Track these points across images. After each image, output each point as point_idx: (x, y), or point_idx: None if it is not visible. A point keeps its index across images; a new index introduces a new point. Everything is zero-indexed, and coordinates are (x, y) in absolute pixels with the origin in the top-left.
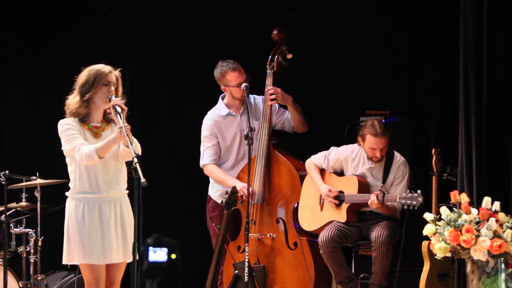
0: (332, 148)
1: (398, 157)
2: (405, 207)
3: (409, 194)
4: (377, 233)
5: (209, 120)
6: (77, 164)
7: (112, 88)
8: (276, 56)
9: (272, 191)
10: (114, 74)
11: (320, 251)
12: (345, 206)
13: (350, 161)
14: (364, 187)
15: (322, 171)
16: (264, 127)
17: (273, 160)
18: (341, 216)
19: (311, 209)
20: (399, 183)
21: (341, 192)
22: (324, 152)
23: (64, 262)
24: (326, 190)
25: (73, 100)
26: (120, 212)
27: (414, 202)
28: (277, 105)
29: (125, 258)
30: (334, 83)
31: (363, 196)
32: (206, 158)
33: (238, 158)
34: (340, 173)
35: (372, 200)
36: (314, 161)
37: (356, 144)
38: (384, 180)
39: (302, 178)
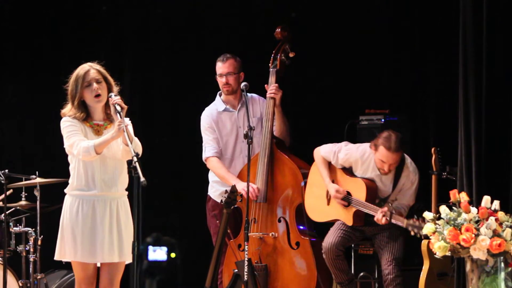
0: (343, 145)
1: (409, 164)
2: (412, 233)
3: (417, 223)
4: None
5: (206, 115)
6: (76, 161)
7: (95, 85)
8: (279, 55)
9: (275, 190)
10: (94, 69)
11: (323, 255)
12: (351, 209)
13: (360, 163)
14: (372, 192)
15: (329, 163)
16: (267, 126)
17: (276, 159)
18: (348, 218)
19: (317, 199)
20: (408, 190)
21: (348, 193)
22: (333, 148)
23: (56, 258)
24: (333, 191)
25: (67, 108)
26: (116, 212)
27: (422, 232)
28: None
29: (121, 259)
30: (334, 82)
31: (370, 206)
32: (208, 151)
33: (235, 155)
34: (348, 168)
35: (379, 218)
36: (323, 154)
37: (368, 145)
38: (393, 187)
39: (304, 176)
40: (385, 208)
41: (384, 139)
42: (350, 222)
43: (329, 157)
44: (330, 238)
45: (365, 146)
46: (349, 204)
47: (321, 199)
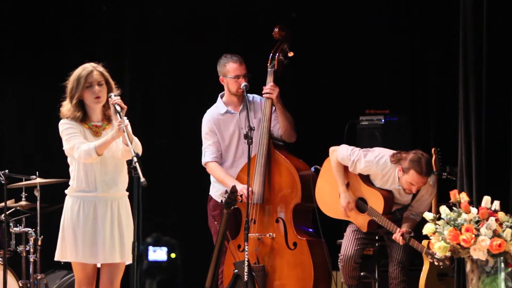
0: (362, 154)
1: (429, 178)
2: (430, 259)
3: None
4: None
5: (207, 118)
6: (76, 163)
7: (96, 87)
8: (277, 54)
9: (272, 190)
10: (97, 70)
11: (339, 263)
12: (367, 217)
13: (381, 177)
14: (389, 204)
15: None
16: (264, 126)
17: (273, 159)
18: (362, 225)
19: (329, 196)
20: (425, 200)
21: (364, 200)
22: (352, 156)
23: (56, 258)
24: (345, 203)
25: (66, 107)
26: (117, 213)
27: (441, 263)
28: (274, 107)
29: (122, 259)
30: (334, 82)
31: (387, 222)
32: (207, 156)
33: (237, 156)
34: (366, 175)
35: (397, 237)
36: (340, 159)
37: (388, 158)
38: (412, 199)
39: (302, 178)
40: (404, 229)
41: (414, 163)
42: (364, 229)
43: (346, 163)
44: (348, 251)
45: (386, 159)
46: (364, 212)
47: (334, 197)
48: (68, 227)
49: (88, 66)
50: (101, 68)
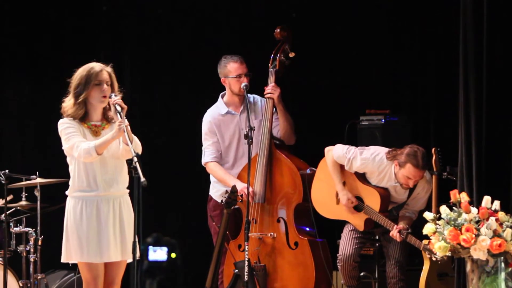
0: (358, 152)
1: (425, 174)
2: (428, 255)
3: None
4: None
5: (208, 118)
6: (76, 162)
7: (105, 86)
8: (279, 55)
9: (274, 190)
10: (106, 71)
11: (338, 263)
12: (363, 215)
13: (377, 174)
14: (385, 202)
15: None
16: (265, 126)
17: (275, 159)
18: (359, 224)
19: (325, 196)
20: (421, 198)
21: (360, 199)
22: (348, 154)
23: (62, 260)
24: (345, 200)
25: (68, 103)
26: (119, 211)
27: (438, 258)
28: (275, 108)
29: (124, 257)
30: (334, 82)
31: (384, 219)
32: (207, 156)
33: (237, 156)
34: (362, 174)
35: (394, 234)
36: (336, 158)
37: (384, 156)
38: (408, 196)
39: (303, 177)
40: (401, 226)
41: (410, 156)
42: (361, 228)
43: (342, 162)
44: (346, 250)
45: (382, 156)
46: (361, 211)
47: (330, 197)
48: (72, 228)
49: (96, 65)
50: (109, 69)
